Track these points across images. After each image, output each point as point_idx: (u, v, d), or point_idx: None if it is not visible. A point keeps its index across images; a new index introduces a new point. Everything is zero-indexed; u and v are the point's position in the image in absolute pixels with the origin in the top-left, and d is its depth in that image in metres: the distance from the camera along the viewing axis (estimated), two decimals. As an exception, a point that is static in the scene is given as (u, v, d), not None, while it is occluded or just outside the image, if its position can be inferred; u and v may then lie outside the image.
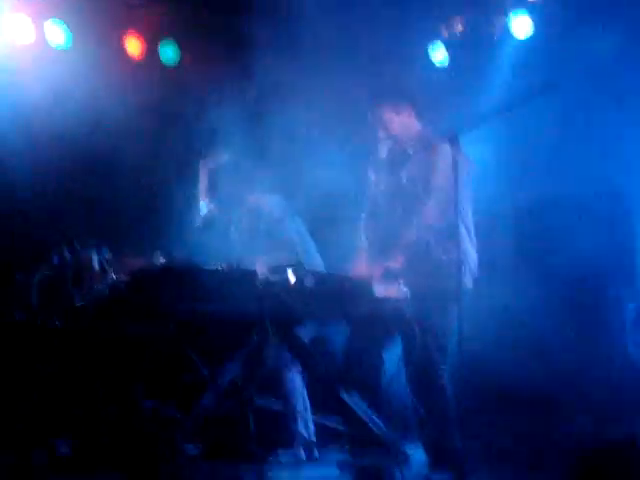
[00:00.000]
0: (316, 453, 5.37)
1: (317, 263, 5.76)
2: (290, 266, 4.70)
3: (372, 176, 5.64)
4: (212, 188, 5.94)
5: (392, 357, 5.39)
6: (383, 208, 5.53)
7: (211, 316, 4.67)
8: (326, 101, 7.12)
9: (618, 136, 6.78)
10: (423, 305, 5.04)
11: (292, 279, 4.62)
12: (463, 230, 5.21)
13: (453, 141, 4.72)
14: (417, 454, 5.23)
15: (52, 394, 5.45)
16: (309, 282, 4.61)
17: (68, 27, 7.05)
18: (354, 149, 6.53)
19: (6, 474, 5.01)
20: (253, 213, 5.93)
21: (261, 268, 4.77)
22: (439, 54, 7.63)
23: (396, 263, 5.19)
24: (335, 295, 4.72)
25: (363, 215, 5.68)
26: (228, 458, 5.04)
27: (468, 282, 5.29)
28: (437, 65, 7.65)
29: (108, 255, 4.77)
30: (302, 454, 5.43)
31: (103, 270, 4.71)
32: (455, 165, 4.73)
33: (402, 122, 5.47)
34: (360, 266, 5.41)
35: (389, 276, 5.10)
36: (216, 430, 5.16)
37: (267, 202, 6.02)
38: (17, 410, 5.57)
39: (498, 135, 6.42)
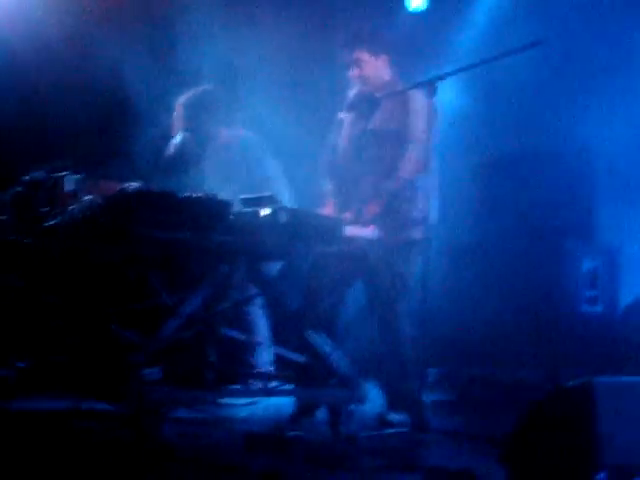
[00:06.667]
0: (273, 384, 5.45)
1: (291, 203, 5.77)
2: (264, 199, 4.72)
3: (341, 117, 5.61)
4: (188, 121, 5.93)
5: (355, 296, 5.46)
6: (350, 152, 5.50)
7: (182, 244, 4.63)
8: (297, 40, 7.13)
9: (593, 93, 6.84)
10: (389, 251, 5.11)
11: (265, 212, 4.63)
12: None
13: (429, 90, 4.68)
14: (373, 393, 5.34)
15: (16, 312, 5.48)
16: (282, 216, 4.62)
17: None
18: (325, 91, 6.54)
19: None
20: (229, 148, 5.94)
21: (235, 201, 4.78)
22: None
23: (368, 212, 5.20)
24: (306, 231, 4.73)
25: (324, 157, 5.63)
26: (187, 384, 5.09)
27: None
28: (414, 10, 7.64)
29: (83, 177, 4.74)
30: (259, 384, 5.53)
31: (77, 192, 4.69)
32: (430, 115, 4.74)
33: (376, 66, 5.43)
34: (329, 209, 5.42)
35: (360, 221, 5.14)
36: (177, 357, 5.20)
37: (243, 138, 6.03)
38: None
39: (473, 85, 6.48)
